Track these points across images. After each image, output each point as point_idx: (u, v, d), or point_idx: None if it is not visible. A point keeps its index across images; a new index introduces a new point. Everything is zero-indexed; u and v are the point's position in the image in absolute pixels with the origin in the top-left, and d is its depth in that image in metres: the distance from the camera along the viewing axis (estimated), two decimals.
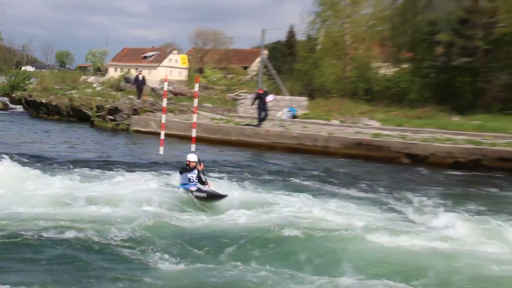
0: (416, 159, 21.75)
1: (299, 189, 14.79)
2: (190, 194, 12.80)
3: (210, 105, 35.96)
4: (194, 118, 21.90)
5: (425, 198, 14.41)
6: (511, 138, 23.62)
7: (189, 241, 9.87)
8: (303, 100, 34.26)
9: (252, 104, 27.25)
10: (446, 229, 11.29)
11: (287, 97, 33.90)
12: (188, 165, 12.96)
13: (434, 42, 42.03)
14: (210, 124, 27.03)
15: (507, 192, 16.52)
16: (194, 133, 21.14)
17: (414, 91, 39.65)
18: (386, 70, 46.37)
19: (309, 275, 8.52)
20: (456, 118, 31.00)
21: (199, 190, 12.75)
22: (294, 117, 30.37)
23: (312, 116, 31.22)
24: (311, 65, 46.38)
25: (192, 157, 13.05)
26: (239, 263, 8.94)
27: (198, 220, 11.31)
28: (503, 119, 29.64)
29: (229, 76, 59.14)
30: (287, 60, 55.67)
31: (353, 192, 15.15)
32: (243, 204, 12.45)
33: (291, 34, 64.97)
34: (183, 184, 13.19)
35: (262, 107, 26.46)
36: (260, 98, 26.54)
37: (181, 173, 13.21)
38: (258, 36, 35.85)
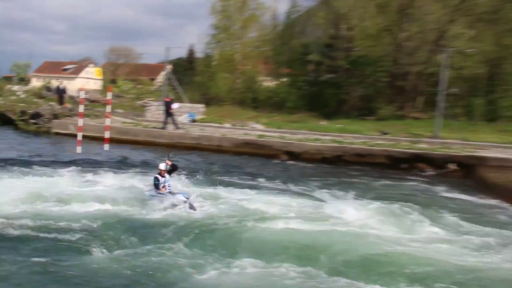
0: (293, 156, 21.90)
1: (211, 182, 14.41)
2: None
3: (121, 111, 34.93)
4: (107, 121, 21.38)
5: (313, 188, 14.49)
6: (365, 138, 24.51)
7: (131, 232, 9.52)
8: (201, 107, 33.99)
9: (167, 110, 26.56)
10: (339, 213, 11.28)
11: (188, 104, 33.57)
12: (160, 173, 11.89)
13: (306, 61, 42.97)
14: (121, 127, 26.25)
15: (367, 180, 16.97)
16: (107, 135, 20.65)
17: (291, 100, 40.45)
18: (268, 83, 47.03)
19: (223, 258, 8.44)
20: (323, 122, 31.82)
21: (174, 205, 11.50)
22: (193, 121, 30.13)
23: (208, 120, 30.98)
24: (208, 78, 46.13)
25: (163, 166, 11.97)
26: (173, 247, 8.81)
27: (138, 214, 10.82)
28: (359, 123, 30.95)
29: (139, 86, 57.60)
30: (188, 73, 55.02)
31: (255, 183, 15.11)
32: None
33: (191, 52, 64.50)
34: (158, 195, 11.93)
35: (169, 113, 26.09)
36: (167, 105, 26.17)
37: (155, 185, 11.90)
38: (163, 53, 35.25)
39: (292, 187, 14.82)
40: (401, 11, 34.10)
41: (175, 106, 26.64)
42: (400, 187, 16.07)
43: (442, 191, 15.80)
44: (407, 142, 23.20)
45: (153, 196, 11.88)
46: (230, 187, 13.85)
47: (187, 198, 11.57)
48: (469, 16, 33.27)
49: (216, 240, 9.26)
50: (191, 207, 11.30)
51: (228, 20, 46.19)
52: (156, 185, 11.89)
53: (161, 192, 11.79)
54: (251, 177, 16.08)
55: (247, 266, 8.16)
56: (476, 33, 33.47)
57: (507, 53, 33.57)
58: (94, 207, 10.97)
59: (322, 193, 13.82)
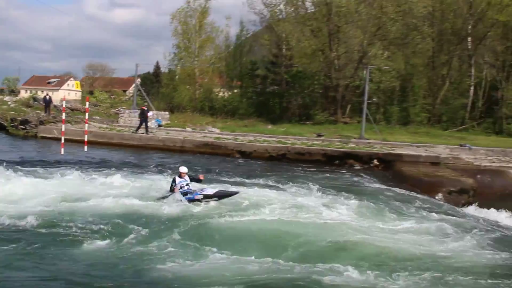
0: (244, 154, 21.72)
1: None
2: (198, 202, 10.60)
3: (98, 117, 33.79)
4: (86, 127, 20.67)
5: (268, 181, 14.20)
6: (304, 139, 24.43)
7: (131, 226, 8.98)
8: (166, 114, 33.32)
9: (139, 117, 25.83)
10: (298, 203, 10.91)
11: (151, 112, 32.78)
12: (180, 175, 11.06)
13: (254, 75, 42.97)
14: (98, 131, 25.37)
15: (310, 174, 16.90)
16: (86, 138, 19.91)
17: (242, 108, 40.36)
18: (223, 93, 46.88)
19: (200, 249, 8.03)
20: (270, 126, 31.72)
21: (206, 196, 10.60)
22: (160, 126, 29.51)
23: (172, 125, 30.38)
24: (172, 89, 45.56)
25: (183, 169, 11.15)
26: (153, 239, 8.42)
27: (146, 211, 10.06)
28: (300, 127, 31.03)
29: (113, 96, 56.25)
30: (154, 85, 54.24)
31: (218, 177, 14.71)
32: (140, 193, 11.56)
33: (157, 67, 63.55)
34: (185, 196, 10.80)
35: (144, 119, 25.33)
36: (143, 113, 25.46)
37: (171, 190, 10.96)
38: (134, 68, 34.40)
39: (249, 180, 14.51)
40: (331, 35, 34.42)
41: (149, 114, 26.09)
42: (338, 179, 16.15)
43: (370, 182, 16.02)
44: (338, 143, 23.35)
45: (190, 197, 10.83)
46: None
47: (216, 190, 10.88)
48: (384, 40, 34.03)
49: (191, 232, 8.76)
50: (229, 194, 10.56)
51: (188, 41, 45.58)
52: (171, 186, 11.09)
53: (188, 194, 10.88)
54: (213, 173, 15.67)
55: (219, 256, 7.77)
56: (390, 54, 34.35)
57: (414, 70, 34.65)
58: (103, 204, 10.31)
59: (277, 185, 13.55)
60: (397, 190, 14.51)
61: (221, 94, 46.62)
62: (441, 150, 21.50)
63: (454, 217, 11.13)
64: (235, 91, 45.47)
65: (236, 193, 10.80)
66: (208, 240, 8.37)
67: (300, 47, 37.89)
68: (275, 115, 37.31)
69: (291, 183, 13.87)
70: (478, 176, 16.77)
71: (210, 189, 11.01)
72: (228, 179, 14.67)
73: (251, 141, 23.33)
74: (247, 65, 44.63)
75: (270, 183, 14.11)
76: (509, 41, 32.67)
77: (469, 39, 33.81)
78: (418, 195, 13.81)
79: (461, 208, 13.26)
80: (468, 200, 14.55)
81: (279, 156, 21.32)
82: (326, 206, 10.92)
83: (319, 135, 26.15)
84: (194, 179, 11.41)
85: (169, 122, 31.89)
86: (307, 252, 7.94)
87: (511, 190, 16.31)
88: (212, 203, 10.70)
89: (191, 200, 10.69)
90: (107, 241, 8.26)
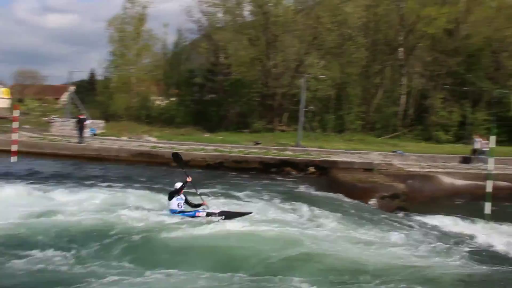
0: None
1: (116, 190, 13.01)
2: (201, 219, 9.73)
3: (28, 126, 31.99)
4: (14, 136, 19.19)
5: (209, 190, 13.38)
6: (241, 147, 24.08)
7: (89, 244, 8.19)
8: (101, 122, 31.94)
9: (76, 125, 24.48)
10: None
11: (89, 121, 31.39)
12: (177, 192, 10.21)
13: (192, 83, 42.38)
14: (28, 141, 23.77)
15: (252, 182, 16.57)
16: (14, 148, 18.42)
17: (180, 116, 39.70)
18: (160, 101, 46.01)
19: (147, 266, 7.33)
20: (207, 135, 31.32)
21: (210, 214, 9.81)
22: (94, 135, 28.24)
23: (107, 134, 29.16)
24: (107, 97, 43.92)
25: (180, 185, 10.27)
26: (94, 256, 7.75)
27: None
28: (237, 135, 30.86)
29: (45, 104, 53.71)
30: (89, 93, 52.02)
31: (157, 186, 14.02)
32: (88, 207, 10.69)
33: (92, 75, 61.39)
34: (182, 213, 10.05)
35: (81, 127, 24.11)
36: (80, 121, 24.21)
37: (170, 198, 10.21)
38: (67, 75, 32.87)
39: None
40: (268, 44, 34.71)
41: (87, 122, 24.95)
42: (277, 186, 16.03)
43: (306, 188, 16.04)
44: (275, 150, 23.28)
45: (191, 214, 10.06)
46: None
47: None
48: (321, 49, 34.79)
49: (140, 248, 8.09)
50: (240, 214, 9.82)
51: (124, 48, 44.24)
52: (172, 196, 10.27)
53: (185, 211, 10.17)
54: (151, 182, 14.87)
55: (168, 274, 7.10)
56: (326, 63, 35.07)
57: (349, 79, 35.43)
58: (49, 221, 9.40)
59: (222, 195, 13.01)
60: (344, 198, 14.34)
61: (158, 102, 45.72)
62: (375, 157, 22.00)
63: (396, 223, 11.26)
64: (172, 99, 44.72)
65: (249, 213, 9.97)
66: (157, 256, 7.76)
67: (238, 55, 37.90)
68: (213, 123, 36.88)
69: (238, 193, 13.45)
70: (409, 181, 17.23)
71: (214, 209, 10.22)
72: (171, 188, 13.96)
73: (188, 149, 22.71)
74: (185, 73, 44.08)
75: (211, 191, 13.41)
76: (437, 52, 34.38)
77: (401, 49, 35.27)
78: (355, 201, 13.89)
79: (396, 213, 13.46)
80: (400, 204, 14.84)
81: (216, 165, 20.93)
82: (275, 216, 10.63)
83: (257, 143, 26.03)
84: (189, 201, 10.48)
85: (104, 131, 30.61)
86: (263, 266, 7.44)
87: (439, 194, 16.94)
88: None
89: (192, 217, 9.92)
90: (46, 259, 7.55)
